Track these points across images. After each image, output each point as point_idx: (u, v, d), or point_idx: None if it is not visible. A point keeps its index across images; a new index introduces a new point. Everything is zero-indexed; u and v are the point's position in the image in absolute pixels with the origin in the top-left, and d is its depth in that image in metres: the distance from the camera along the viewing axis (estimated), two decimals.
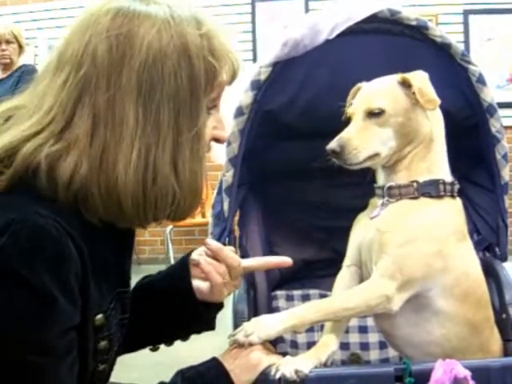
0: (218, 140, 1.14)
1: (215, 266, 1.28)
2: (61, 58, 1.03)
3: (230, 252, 1.30)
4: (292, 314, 1.38)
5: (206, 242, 1.30)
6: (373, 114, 1.42)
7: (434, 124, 1.47)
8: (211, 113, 1.10)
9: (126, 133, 1.00)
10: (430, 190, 1.44)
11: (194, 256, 1.31)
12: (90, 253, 1.01)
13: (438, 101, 1.42)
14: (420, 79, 1.43)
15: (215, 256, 1.29)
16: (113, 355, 1.14)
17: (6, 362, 0.94)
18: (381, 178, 1.50)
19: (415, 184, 1.44)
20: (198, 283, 1.30)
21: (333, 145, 1.41)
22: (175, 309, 1.31)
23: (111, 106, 1.00)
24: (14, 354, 0.94)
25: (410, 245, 1.38)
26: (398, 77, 1.46)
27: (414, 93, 1.43)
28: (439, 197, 1.45)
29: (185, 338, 1.39)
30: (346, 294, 1.44)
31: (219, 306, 1.35)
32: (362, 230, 1.49)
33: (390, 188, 1.46)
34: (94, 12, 1.03)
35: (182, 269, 1.32)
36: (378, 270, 1.38)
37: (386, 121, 1.42)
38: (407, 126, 1.44)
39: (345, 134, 1.42)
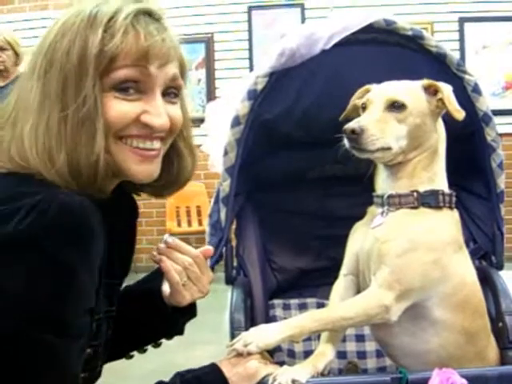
0: (148, 125, 1.10)
1: (172, 265, 1.27)
2: None
3: (187, 249, 1.29)
4: (290, 323, 1.38)
5: (165, 239, 1.28)
6: (394, 108, 1.42)
7: (439, 137, 1.48)
8: (129, 96, 1.08)
9: (29, 108, 1.05)
10: (430, 200, 1.44)
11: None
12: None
13: (463, 112, 1.43)
14: (447, 89, 1.45)
15: (173, 252, 1.28)
16: (101, 345, 1.14)
17: (18, 338, 0.93)
18: (380, 187, 1.50)
19: (415, 194, 1.44)
20: (164, 286, 1.31)
21: (354, 125, 1.39)
22: (146, 312, 1.32)
23: (23, 86, 1.07)
24: (27, 329, 0.93)
25: (409, 255, 1.38)
26: (423, 82, 1.47)
27: (439, 99, 1.44)
28: (438, 207, 1.45)
29: (156, 344, 1.40)
30: (345, 303, 1.44)
31: (190, 313, 1.35)
32: (361, 239, 1.49)
33: (389, 197, 1.45)
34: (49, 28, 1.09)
35: (155, 274, 1.33)
36: (376, 280, 1.38)
37: (405, 118, 1.42)
38: (421, 130, 1.44)
39: (364, 120, 1.41)
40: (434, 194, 1.45)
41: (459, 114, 1.43)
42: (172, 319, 1.34)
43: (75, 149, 1.04)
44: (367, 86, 1.52)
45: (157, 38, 1.07)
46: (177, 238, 1.30)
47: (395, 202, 1.45)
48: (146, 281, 1.38)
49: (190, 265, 1.28)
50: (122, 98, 1.07)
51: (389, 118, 1.41)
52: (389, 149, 1.41)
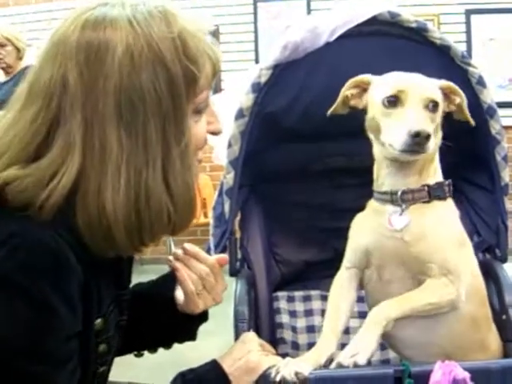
0: (213, 133, 1.12)
1: (188, 273, 1.26)
2: (32, 88, 1.00)
3: (205, 258, 1.28)
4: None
5: (184, 246, 1.27)
6: (429, 107, 1.38)
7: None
8: (202, 115, 1.07)
9: (109, 159, 0.96)
10: (440, 192, 1.45)
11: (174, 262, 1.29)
12: (91, 260, 1.01)
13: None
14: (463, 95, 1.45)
15: (191, 259, 1.27)
16: (111, 357, 1.15)
17: (5, 371, 0.94)
18: (387, 183, 1.46)
19: (427, 188, 1.44)
20: (177, 293, 1.30)
21: (430, 129, 1.33)
22: (157, 317, 1.32)
23: (89, 134, 0.96)
24: (13, 362, 0.94)
25: (444, 248, 1.41)
26: (441, 82, 1.45)
27: (457, 104, 1.45)
28: (445, 198, 1.46)
29: (167, 346, 1.40)
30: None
31: (202, 318, 1.34)
32: (370, 235, 1.47)
33: (403, 193, 1.43)
34: (61, 33, 0.99)
35: (168, 278, 1.33)
36: (434, 281, 1.38)
37: (436, 117, 1.40)
38: (438, 129, 1.43)
39: (424, 123, 1.34)
40: (441, 185, 1.46)
41: (472, 120, 1.47)
42: (184, 325, 1.34)
43: (183, 189, 1.02)
44: (361, 77, 1.48)
45: (219, 51, 1.06)
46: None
47: (408, 197, 1.43)
48: (159, 285, 1.37)
49: (207, 275, 1.27)
50: (198, 120, 1.06)
51: (427, 117, 1.38)
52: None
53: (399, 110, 1.37)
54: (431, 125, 1.37)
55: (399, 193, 1.43)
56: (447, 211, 1.47)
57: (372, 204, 1.51)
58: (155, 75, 0.97)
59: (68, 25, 0.99)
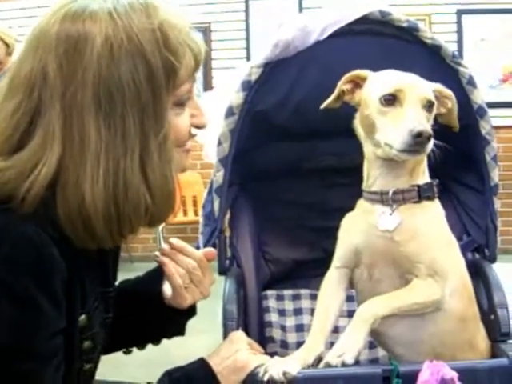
0: (197, 126, 1.12)
1: (175, 267, 1.26)
2: (13, 80, 1.01)
3: (191, 252, 1.28)
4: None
5: (170, 241, 1.28)
6: (426, 107, 1.38)
7: None
8: (185, 108, 1.08)
9: (88, 150, 0.96)
10: (429, 192, 1.45)
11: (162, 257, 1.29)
12: (74, 255, 1.01)
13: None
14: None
15: (178, 254, 1.28)
16: (97, 354, 1.15)
17: None
18: (378, 183, 1.46)
19: (417, 188, 1.44)
20: (165, 288, 1.30)
21: (429, 129, 1.32)
22: (145, 312, 1.32)
23: (68, 124, 0.97)
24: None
25: (433, 248, 1.41)
26: (435, 86, 1.45)
27: (448, 108, 1.46)
28: (433, 198, 1.47)
29: (156, 342, 1.40)
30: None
31: (190, 313, 1.34)
32: (360, 234, 1.47)
33: (394, 193, 1.43)
34: (42, 26, 1.00)
35: (155, 273, 1.33)
36: (419, 281, 1.39)
37: (430, 117, 1.40)
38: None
39: (425, 123, 1.34)
40: (430, 185, 1.46)
41: (457, 126, 1.50)
42: (172, 320, 1.34)
43: (161, 182, 1.02)
44: (358, 72, 1.48)
45: (203, 44, 1.07)
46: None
47: (399, 198, 1.43)
48: (146, 280, 1.37)
49: (194, 268, 1.27)
50: (180, 113, 1.07)
51: (425, 117, 1.38)
52: None
53: (397, 109, 1.37)
54: (428, 125, 1.37)
55: (390, 193, 1.43)
56: (436, 211, 1.48)
57: (362, 203, 1.50)
58: (134, 67, 0.97)
59: (49, 18, 1.00)
